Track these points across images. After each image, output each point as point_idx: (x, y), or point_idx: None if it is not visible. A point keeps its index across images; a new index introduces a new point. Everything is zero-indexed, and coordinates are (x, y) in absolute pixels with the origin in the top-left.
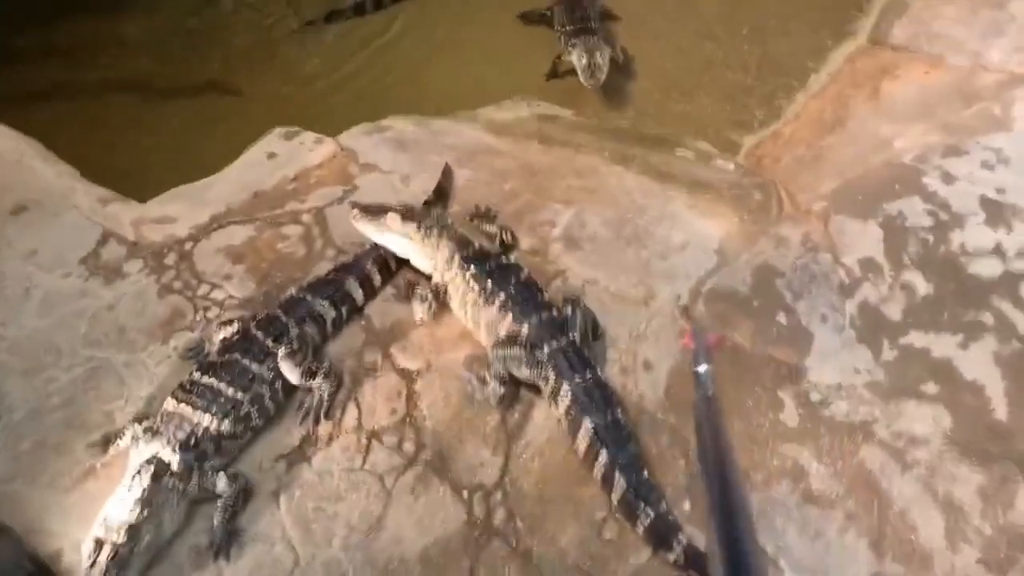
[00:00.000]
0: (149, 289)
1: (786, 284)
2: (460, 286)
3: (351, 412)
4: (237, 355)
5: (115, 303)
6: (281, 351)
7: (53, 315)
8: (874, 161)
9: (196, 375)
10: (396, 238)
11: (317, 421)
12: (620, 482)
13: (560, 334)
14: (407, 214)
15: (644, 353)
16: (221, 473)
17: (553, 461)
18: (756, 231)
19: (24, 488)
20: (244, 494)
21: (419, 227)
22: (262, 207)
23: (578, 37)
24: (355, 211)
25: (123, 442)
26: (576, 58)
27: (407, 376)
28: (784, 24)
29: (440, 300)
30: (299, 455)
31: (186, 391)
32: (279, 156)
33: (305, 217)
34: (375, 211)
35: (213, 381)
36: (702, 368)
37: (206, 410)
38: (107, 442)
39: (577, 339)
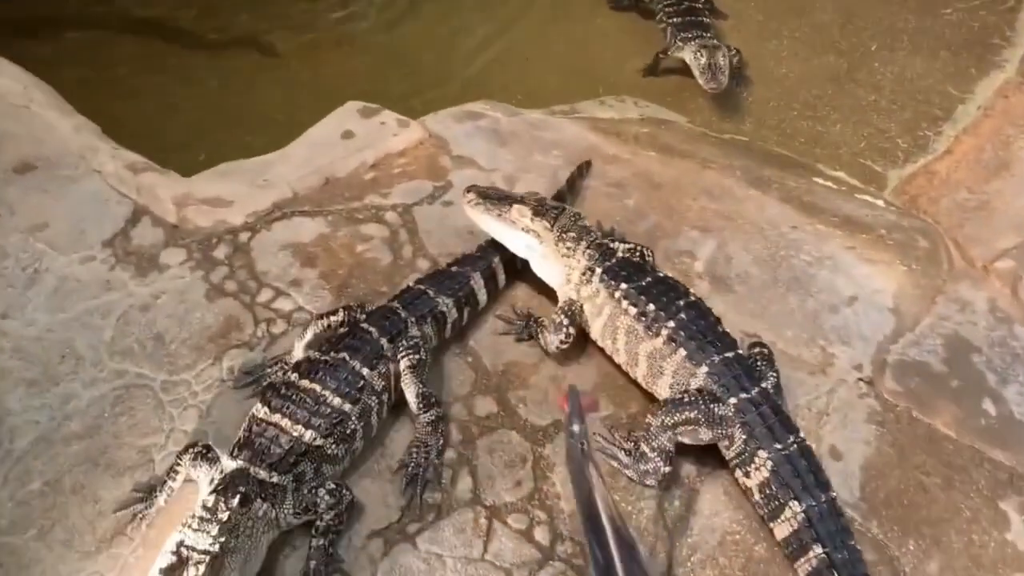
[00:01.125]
0: (195, 288)
1: (985, 363)
2: (606, 307)
3: (463, 479)
4: (345, 355)
5: (151, 303)
6: (405, 359)
7: (69, 310)
8: None
9: (294, 376)
10: (522, 236)
11: (424, 488)
12: None
13: (750, 381)
14: (539, 208)
15: (830, 436)
16: (322, 489)
17: (732, 571)
18: (930, 287)
19: (32, 544)
20: (349, 512)
21: (552, 226)
22: (336, 197)
23: (689, 32)
24: (471, 195)
25: (174, 483)
26: (692, 56)
27: (532, 437)
28: (916, 41)
29: (577, 324)
30: (399, 533)
31: (282, 396)
32: (356, 137)
33: (389, 216)
34: (497, 199)
35: (316, 386)
36: (576, 427)
37: (307, 423)
38: (148, 492)
39: (771, 390)
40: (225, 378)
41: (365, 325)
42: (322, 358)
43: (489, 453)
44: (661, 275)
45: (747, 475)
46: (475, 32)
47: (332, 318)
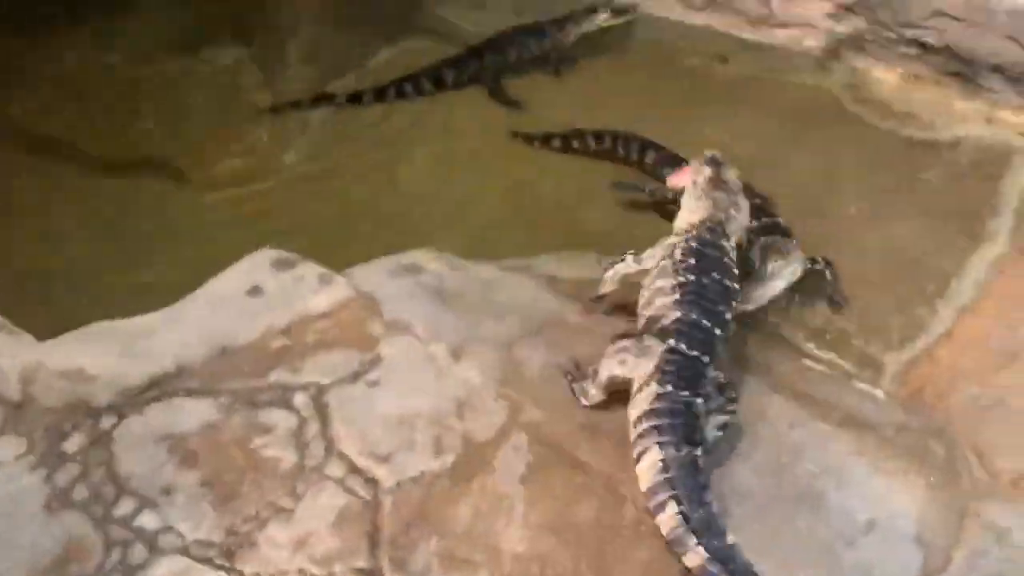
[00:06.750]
0: (31, 495)
1: None
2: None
3: None
4: None
5: None
6: None
7: None
8: None
9: None
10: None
11: None
12: None
13: None
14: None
15: None
16: None
17: None
18: (954, 509)
19: None
20: None
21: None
22: (233, 372)
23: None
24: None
25: None
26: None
27: None
28: (898, 207)
29: None
30: None
31: None
32: (265, 294)
33: (299, 399)
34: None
35: None
36: None
37: None
38: None
39: None
40: None
41: None
42: None
43: None
44: None
45: None
46: (422, 172)
47: None
